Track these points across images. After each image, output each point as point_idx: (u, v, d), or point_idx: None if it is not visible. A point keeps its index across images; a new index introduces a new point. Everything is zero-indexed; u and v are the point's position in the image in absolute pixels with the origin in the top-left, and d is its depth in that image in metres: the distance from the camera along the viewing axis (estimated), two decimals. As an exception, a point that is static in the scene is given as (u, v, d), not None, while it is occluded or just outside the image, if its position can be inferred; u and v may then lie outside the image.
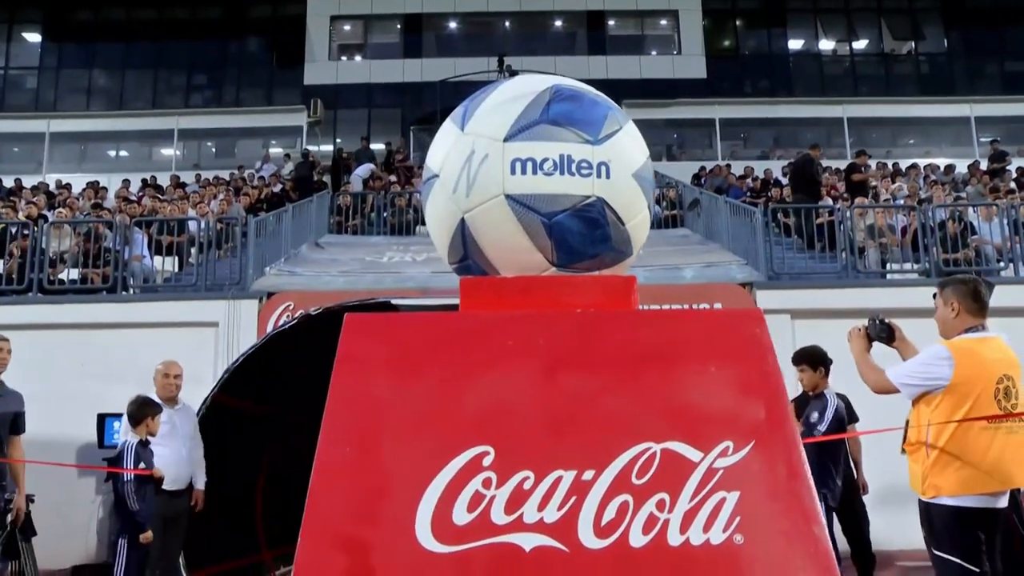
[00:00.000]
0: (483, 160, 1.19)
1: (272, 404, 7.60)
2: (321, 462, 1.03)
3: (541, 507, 1.04)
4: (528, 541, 1.03)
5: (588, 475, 1.05)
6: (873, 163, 19.87)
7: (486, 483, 1.04)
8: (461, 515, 1.03)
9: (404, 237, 14.55)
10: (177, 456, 6.25)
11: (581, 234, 1.19)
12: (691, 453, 1.07)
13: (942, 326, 3.89)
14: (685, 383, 1.11)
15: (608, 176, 1.20)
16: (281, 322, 9.54)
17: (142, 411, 6.05)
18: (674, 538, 1.04)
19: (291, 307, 9.95)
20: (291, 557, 4.84)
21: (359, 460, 1.04)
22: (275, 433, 7.77)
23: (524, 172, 1.18)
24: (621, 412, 1.08)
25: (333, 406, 1.07)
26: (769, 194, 16.24)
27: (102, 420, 9.22)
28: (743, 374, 1.12)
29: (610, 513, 1.05)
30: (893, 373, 3.80)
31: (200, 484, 6.40)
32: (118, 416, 8.91)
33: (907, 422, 4.01)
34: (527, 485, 1.04)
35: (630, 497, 1.05)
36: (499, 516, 1.03)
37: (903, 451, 4.06)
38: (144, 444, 6.11)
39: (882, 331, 4.02)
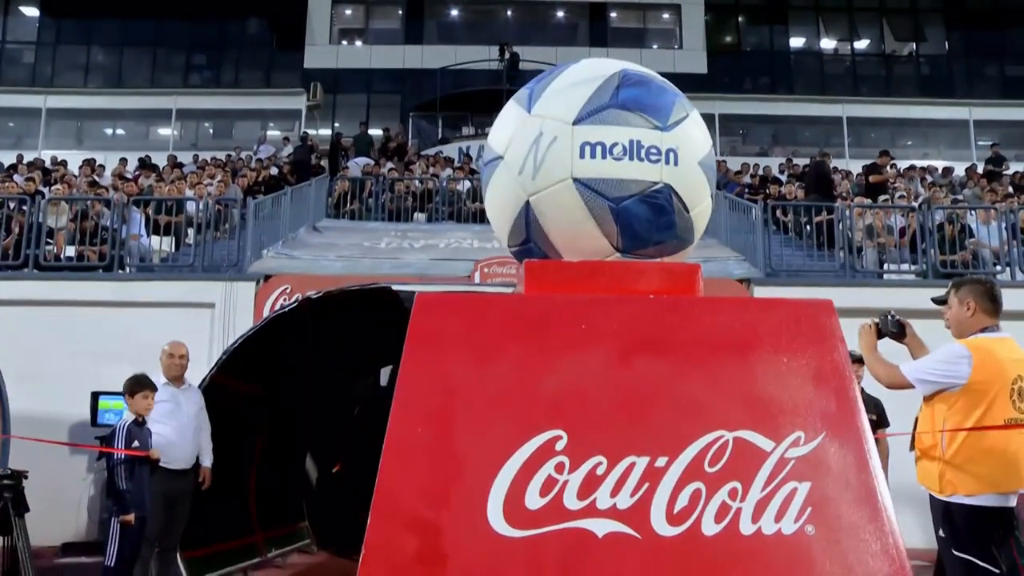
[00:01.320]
0: (552, 143, 1.18)
1: (269, 386, 7.60)
2: (393, 440, 1.02)
3: (614, 493, 1.03)
4: (601, 527, 1.02)
5: (661, 462, 1.04)
6: (859, 163, 19.92)
7: (559, 468, 1.03)
8: (534, 499, 1.02)
9: (402, 223, 14.51)
10: (181, 435, 6.21)
11: (647, 220, 1.18)
12: (763, 442, 1.07)
13: (956, 326, 3.88)
14: (757, 372, 1.10)
15: (676, 163, 1.19)
16: (278, 305, 9.52)
17: (132, 388, 6.01)
18: (746, 527, 1.03)
19: (288, 290, 9.93)
20: (283, 539, 4.80)
21: (432, 440, 1.03)
22: (271, 414, 7.76)
23: (593, 156, 1.17)
24: (694, 399, 1.08)
25: (405, 384, 1.06)
26: (767, 190, 16.25)
27: (96, 398, 9.19)
28: (814, 364, 1.11)
29: (683, 500, 1.04)
30: (909, 369, 3.78)
31: (207, 462, 6.39)
32: (112, 394, 8.88)
33: (916, 420, 4.01)
34: (600, 470, 1.04)
35: (703, 485, 1.04)
36: (572, 501, 1.02)
37: (912, 448, 4.05)
38: (139, 423, 6.06)
39: (894, 327, 4.01)
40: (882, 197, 13.79)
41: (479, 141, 21.98)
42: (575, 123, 1.18)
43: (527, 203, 1.20)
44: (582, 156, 1.17)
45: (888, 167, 15.66)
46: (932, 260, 10.72)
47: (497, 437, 1.04)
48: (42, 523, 7.85)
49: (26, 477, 7.27)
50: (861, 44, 26.56)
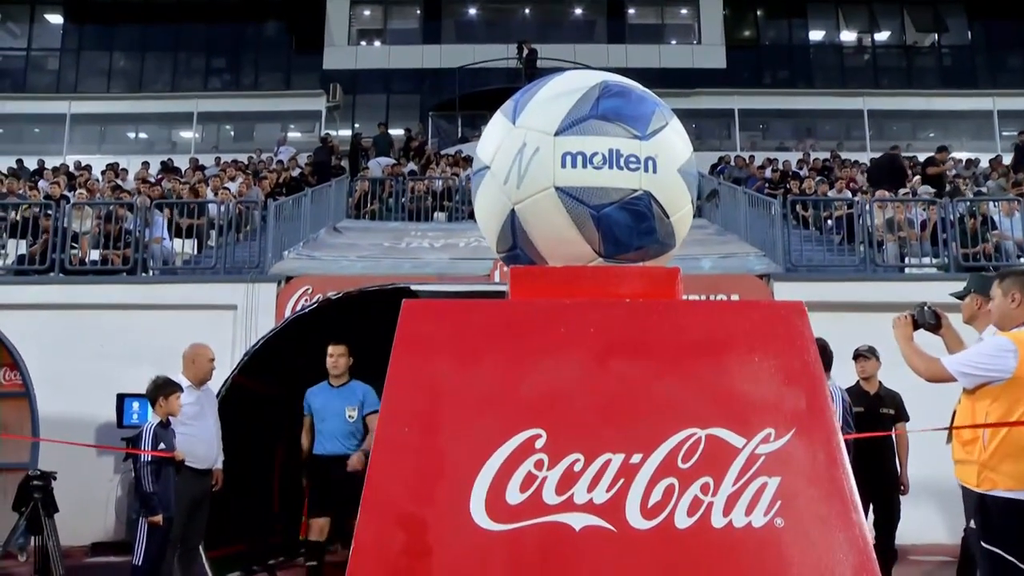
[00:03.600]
0: (534, 153, 1.23)
1: (291, 387, 7.68)
2: (381, 441, 1.08)
3: (591, 488, 1.09)
4: (578, 520, 1.08)
5: (636, 458, 1.09)
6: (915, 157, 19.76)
7: (538, 464, 1.09)
8: (514, 495, 1.08)
9: (422, 223, 14.60)
10: (207, 436, 6.33)
11: (628, 226, 1.23)
12: (734, 439, 1.12)
13: (1000, 318, 3.82)
14: (730, 372, 1.15)
15: (655, 171, 1.25)
16: (300, 306, 9.62)
17: (155, 392, 6.10)
18: (717, 520, 1.09)
19: (309, 291, 10.03)
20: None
21: (418, 440, 1.09)
22: (293, 415, 7.85)
23: (574, 165, 1.23)
24: (668, 399, 1.13)
25: (393, 387, 1.12)
26: (788, 185, 16.19)
27: (121, 400, 9.32)
28: (785, 364, 1.16)
29: (656, 495, 1.09)
30: (951, 361, 3.73)
31: (219, 464, 6.48)
32: (137, 396, 9.02)
33: (954, 413, 3.94)
34: (577, 467, 1.09)
35: (676, 480, 1.09)
36: (550, 496, 1.08)
37: (948, 441, 3.99)
38: (164, 425, 6.16)
39: (931, 318, 3.95)
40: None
41: (498, 139, 21.97)
42: (557, 134, 1.24)
43: (512, 211, 1.26)
44: (564, 166, 1.23)
45: (942, 162, 15.53)
46: (954, 253, 10.65)
47: (480, 436, 1.10)
48: (72, 523, 8.00)
49: (55, 478, 7.42)
50: (882, 36, 26.34)
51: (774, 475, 1.10)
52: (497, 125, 1.33)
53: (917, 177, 15.73)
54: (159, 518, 5.81)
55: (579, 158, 1.22)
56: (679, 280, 1.29)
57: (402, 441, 1.08)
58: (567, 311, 1.18)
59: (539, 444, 1.09)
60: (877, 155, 20.41)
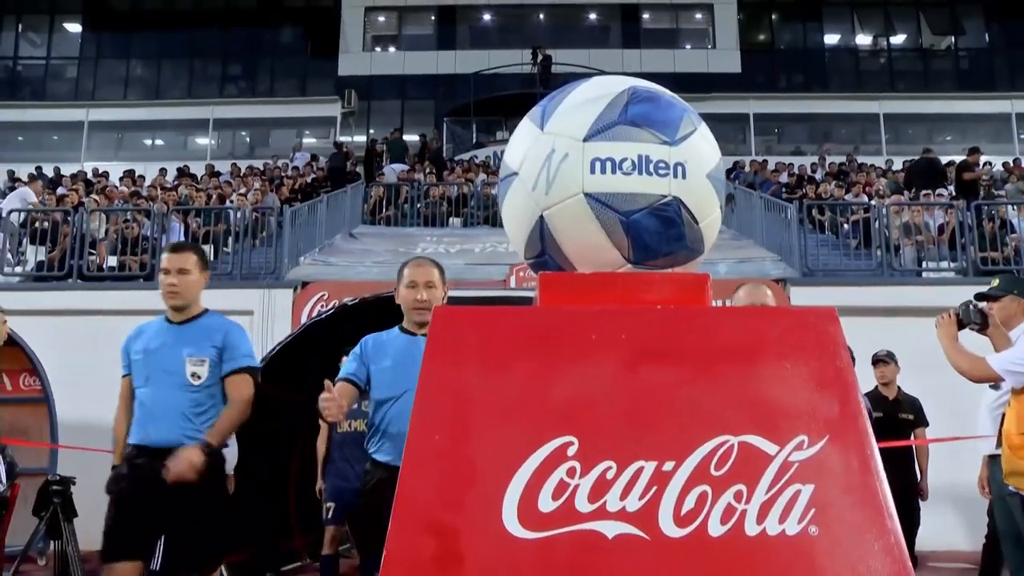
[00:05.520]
0: (563, 159, 1.23)
1: (306, 392, 7.69)
2: (412, 448, 1.08)
3: (623, 496, 1.08)
4: (611, 529, 1.07)
5: (668, 466, 1.09)
6: (899, 160, 19.63)
7: (570, 472, 1.08)
8: (546, 503, 1.08)
9: (438, 228, 14.63)
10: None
11: (657, 232, 1.23)
12: (767, 446, 1.11)
13: None
14: (762, 379, 1.15)
15: (684, 176, 1.24)
16: (315, 312, 9.65)
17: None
18: (751, 528, 1.08)
19: (325, 297, 10.07)
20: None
21: (449, 447, 1.09)
22: (308, 420, 7.86)
23: (603, 171, 1.23)
24: (700, 406, 1.13)
25: (424, 394, 1.12)
26: (804, 190, 16.13)
27: (138, 405, 9.32)
28: (818, 370, 1.15)
29: (689, 503, 1.09)
30: (998, 360, 3.65)
31: (230, 469, 6.50)
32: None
33: (1003, 417, 3.87)
34: (610, 475, 1.09)
35: (709, 488, 1.09)
36: (583, 504, 1.08)
37: (998, 446, 3.92)
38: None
39: (976, 317, 3.89)
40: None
41: (513, 145, 22.02)
42: (585, 140, 1.24)
43: (541, 217, 1.26)
44: (593, 171, 1.23)
45: (980, 164, 15.40)
46: (972, 257, 10.59)
47: (511, 444, 1.10)
48: (90, 527, 8.01)
49: (74, 483, 7.45)
50: (897, 39, 26.22)
51: (808, 482, 1.09)
52: (525, 131, 1.33)
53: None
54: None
55: (608, 164, 1.22)
56: (709, 286, 1.28)
57: (433, 449, 1.08)
58: (598, 317, 1.18)
59: (571, 451, 1.09)
60: (893, 159, 20.32)
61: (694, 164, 1.26)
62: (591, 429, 1.10)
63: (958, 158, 19.79)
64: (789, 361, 1.16)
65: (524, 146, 1.30)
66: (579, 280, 1.27)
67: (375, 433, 3.43)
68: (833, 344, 1.17)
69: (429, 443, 1.08)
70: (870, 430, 1.13)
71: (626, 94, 1.27)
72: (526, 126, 1.34)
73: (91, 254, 11.43)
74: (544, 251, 1.29)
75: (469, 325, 1.18)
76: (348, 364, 3.55)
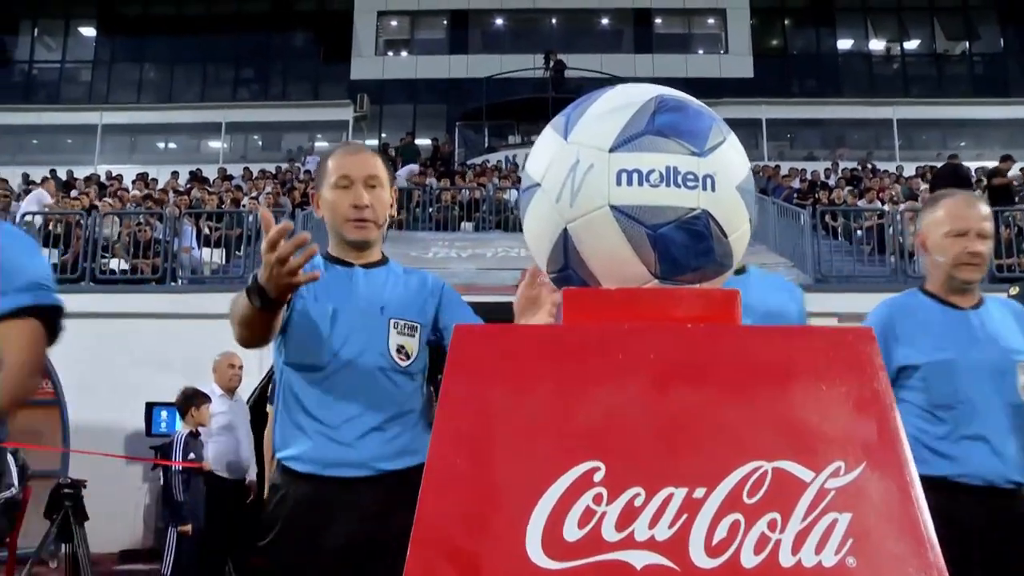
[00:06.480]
0: (588, 170, 1.19)
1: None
2: (432, 470, 1.04)
3: (652, 524, 1.03)
4: (639, 559, 1.03)
5: (699, 493, 1.04)
6: (912, 166, 19.49)
7: (597, 499, 1.04)
8: (572, 531, 1.03)
9: (450, 233, 14.61)
10: (240, 446, 6.35)
11: (685, 247, 1.19)
12: (802, 473, 1.06)
13: None
14: (796, 401, 1.10)
15: (713, 189, 1.20)
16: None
17: (186, 402, 6.15)
18: (786, 559, 1.03)
19: (338, 301, 10.05)
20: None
21: (470, 470, 1.05)
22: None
23: (630, 183, 1.18)
24: (732, 429, 1.08)
25: (444, 414, 1.08)
26: (816, 195, 16.05)
27: (150, 409, 9.39)
28: (854, 393, 1.11)
29: (721, 532, 1.04)
30: None
31: (252, 474, 6.50)
32: (165, 405, 9.10)
33: None
34: (638, 502, 1.04)
35: (741, 516, 1.04)
36: (610, 533, 1.03)
37: None
38: (194, 435, 6.19)
39: None
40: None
41: (525, 150, 22.02)
42: (611, 150, 1.19)
43: (565, 230, 1.22)
44: (619, 183, 1.18)
45: (1012, 170, 15.26)
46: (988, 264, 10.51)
47: (535, 468, 1.05)
48: (101, 530, 8.07)
49: (85, 486, 7.50)
50: (911, 44, 26.11)
51: (845, 511, 1.04)
52: (548, 141, 1.29)
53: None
54: (189, 527, 5.84)
55: (635, 175, 1.18)
56: (738, 302, 1.23)
57: (454, 472, 1.04)
58: (625, 336, 1.13)
59: (598, 477, 1.04)
60: (906, 165, 20.21)
61: (723, 176, 1.21)
62: (618, 454, 1.05)
63: (973, 164, 19.68)
64: (825, 383, 1.11)
65: (547, 156, 1.26)
66: (604, 296, 1.23)
67: (287, 423, 2.29)
68: (871, 365, 1.12)
69: (450, 466, 1.04)
70: (910, 455, 1.09)
71: (653, 103, 1.22)
72: (549, 135, 1.29)
73: (104, 257, 11.47)
74: (567, 265, 1.24)
75: (492, 343, 1.14)
76: None
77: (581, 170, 1.15)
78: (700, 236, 1.18)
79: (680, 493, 0.98)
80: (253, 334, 2.13)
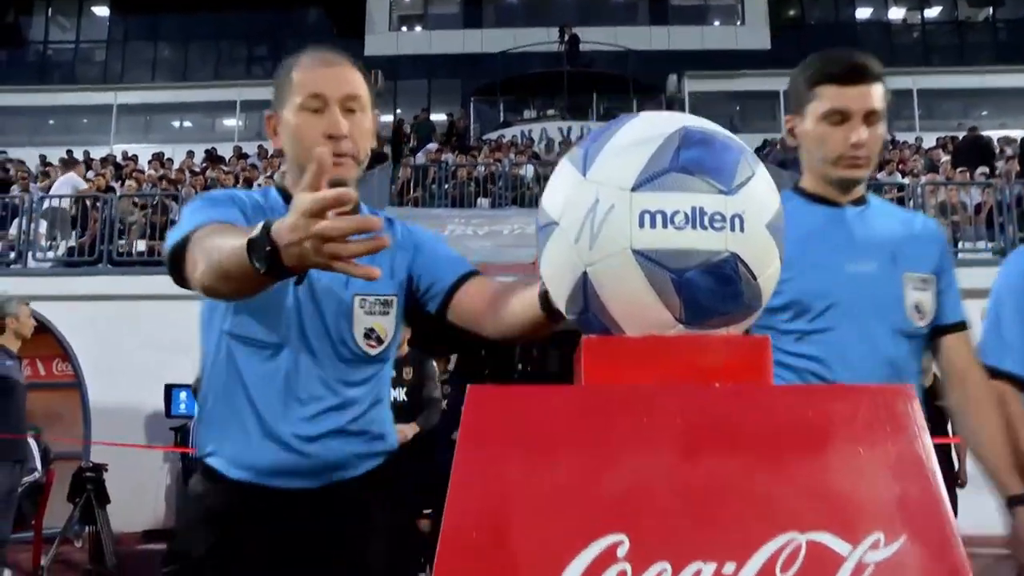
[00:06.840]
0: (609, 210, 1.12)
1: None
2: (446, 544, 0.99)
3: (679, 601, 0.98)
4: (666, 639, 0.97)
5: (729, 568, 0.98)
6: (932, 136, 19.18)
7: (620, 575, 0.98)
8: (595, 609, 0.98)
9: (466, 210, 14.52)
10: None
11: (712, 291, 1.11)
12: (839, 546, 1.00)
13: None
14: (831, 467, 1.04)
15: (742, 229, 1.12)
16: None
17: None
18: (823, 639, 0.97)
19: (353, 280, 10.03)
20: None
21: (487, 545, 0.99)
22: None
23: (653, 225, 1.11)
24: (763, 498, 1.01)
25: (458, 484, 1.02)
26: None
27: (169, 390, 9.46)
28: (894, 457, 1.04)
29: (753, 609, 0.98)
30: None
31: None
32: (184, 387, 9.14)
33: None
34: (664, 577, 0.98)
35: (775, 592, 0.98)
36: (635, 610, 0.97)
37: None
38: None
39: None
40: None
41: (540, 124, 21.86)
42: (633, 189, 1.12)
43: (584, 273, 1.15)
44: (641, 225, 1.11)
45: None
46: (1011, 237, 10.35)
47: (555, 542, 0.99)
48: (124, 511, 8.18)
49: (106, 469, 7.62)
50: (932, 12, 25.64)
51: (885, 586, 0.98)
52: (565, 176, 1.22)
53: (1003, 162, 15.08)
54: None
55: (659, 217, 1.11)
56: (769, 351, 1.17)
57: (469, 547, 0.98)
58: (649, 397, 1.07)
59: (621, 552, 0.98)
60: (929, 135, 19.93)
61: (752, 215, 1.14)
62: (643, 525, 0.99)
63: (995, 133, 19.32)
64: (862, 445, 1.04)
65: (564, 193, 1.19)
66: (626, 346, 1.16)
67: (214, 416, 1.83)
68: (912, 425, 1.06)
69: (465, 541, 0.98)
70: (955, 523, 1.02)
71: (677, 136, 1.15)
72: (566, 170, 1.22)
73: (121, 239, 11.51)
74: (587, 308, 1.17)
75: (508, 407, 1.07)
76: (213, 208, 1.72)
77: (601, 211, 1.08)
78: (728, 280, 1.11)
79: (709, 568, 0.92)
80: (230, 293, 1.51)
